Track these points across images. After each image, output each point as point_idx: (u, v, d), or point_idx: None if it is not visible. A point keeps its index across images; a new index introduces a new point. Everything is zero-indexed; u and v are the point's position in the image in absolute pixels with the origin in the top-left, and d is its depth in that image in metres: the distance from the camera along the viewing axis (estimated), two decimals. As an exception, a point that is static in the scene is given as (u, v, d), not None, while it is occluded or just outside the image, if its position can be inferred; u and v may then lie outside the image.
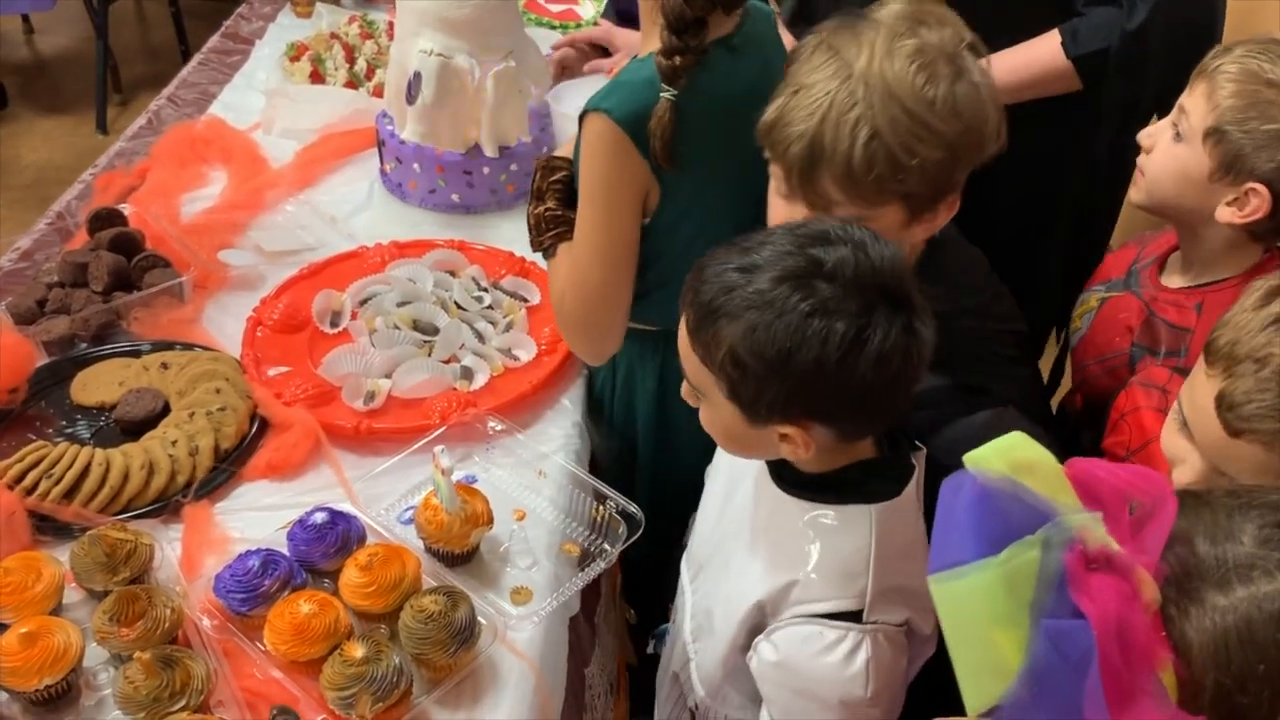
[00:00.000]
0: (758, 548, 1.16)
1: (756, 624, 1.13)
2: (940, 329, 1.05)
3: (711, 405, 1.10)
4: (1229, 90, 1.26)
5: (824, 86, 1.12)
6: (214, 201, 1.84)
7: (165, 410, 1.42)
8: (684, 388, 1.15)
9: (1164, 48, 1.53)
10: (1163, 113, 1.41)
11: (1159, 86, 1.53)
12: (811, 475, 1.11)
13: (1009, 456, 0.78)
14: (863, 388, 0.99)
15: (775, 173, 1.20)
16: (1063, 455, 0.82)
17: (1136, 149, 1.41)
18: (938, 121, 1.10)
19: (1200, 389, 1.07)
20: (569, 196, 1.38)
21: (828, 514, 1.10)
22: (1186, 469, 1.10)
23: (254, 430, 1.41)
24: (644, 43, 1.33)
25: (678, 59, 1.20)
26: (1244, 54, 1.27)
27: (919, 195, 1.14)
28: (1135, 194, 1.42)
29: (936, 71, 1.11)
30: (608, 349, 1.41)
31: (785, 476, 1.14)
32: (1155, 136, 1.37)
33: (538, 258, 1.54)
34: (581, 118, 1.29)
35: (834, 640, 1.07)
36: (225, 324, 1.59)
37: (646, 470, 1.55)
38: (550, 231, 1.39)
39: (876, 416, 1.07)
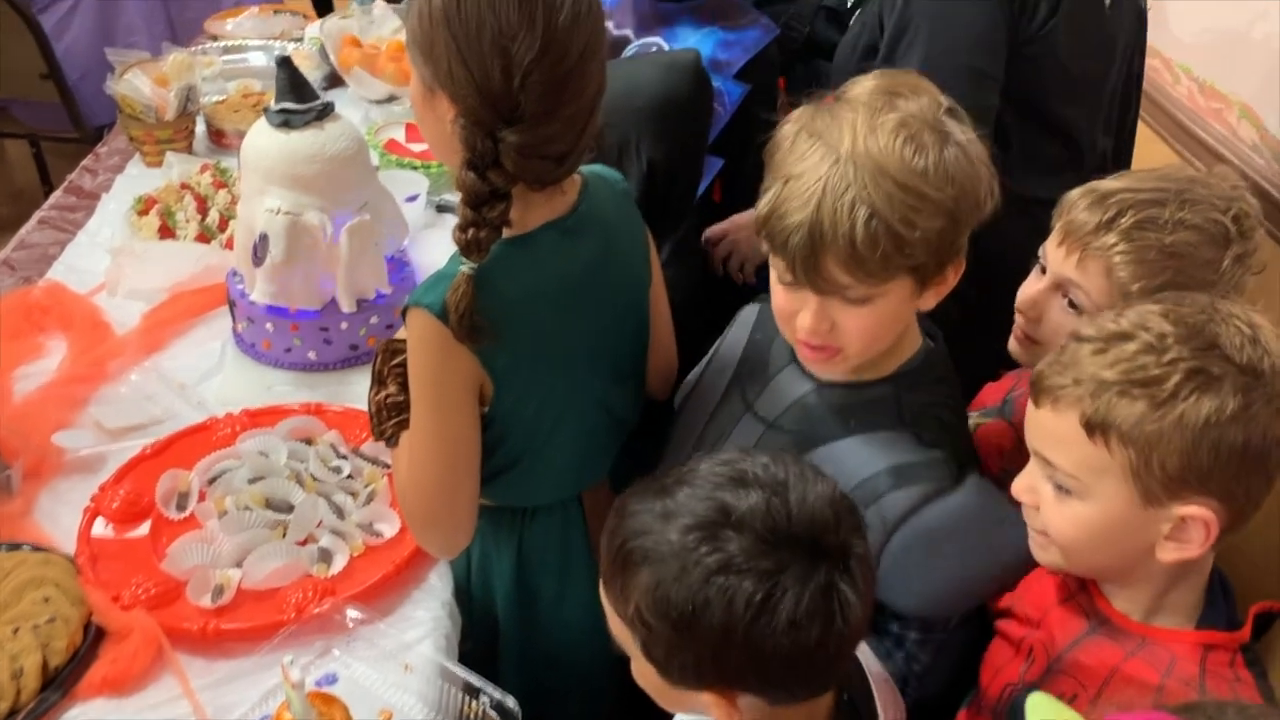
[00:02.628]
0: None
1: None
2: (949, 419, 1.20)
3: (634, 659, 1.01)
4: (1133, 272, 1.24)
5: (814, 173, 1.12)
6: (51, 376, 1.72)
7: (-12, 625, 1.29)
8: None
9: None
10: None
11: None
12: None
13: None
14: (779, 654, 0.90)
15: (776, 263, 1.19)
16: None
17: None
18: (932, 190, 1.10)
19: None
20: None
21: None
22: (1022, 476, 1.13)
23: (88, 641, 1.29)
24: None
25: (471, 232, 1.15)
26: (1132, 225, 1.24)
27: (926, 264, 1.14)
28: (1027, 358, 1.37)
29: (922, 141, 1.11)
30: (457, 544, 1.34)
31: None
32: (1040, 303, 1.34)
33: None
34: (404, 312, 1.24)
35: None
36: (61, 516, 1.47)
37: (511, 653, 1.46)
38: (392, 420, 1.32)
39: (807, 682, 0.97)
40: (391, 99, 2.60)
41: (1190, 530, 1.02)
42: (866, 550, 0.97)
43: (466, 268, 1.16)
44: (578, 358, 1.31)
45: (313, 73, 2.60)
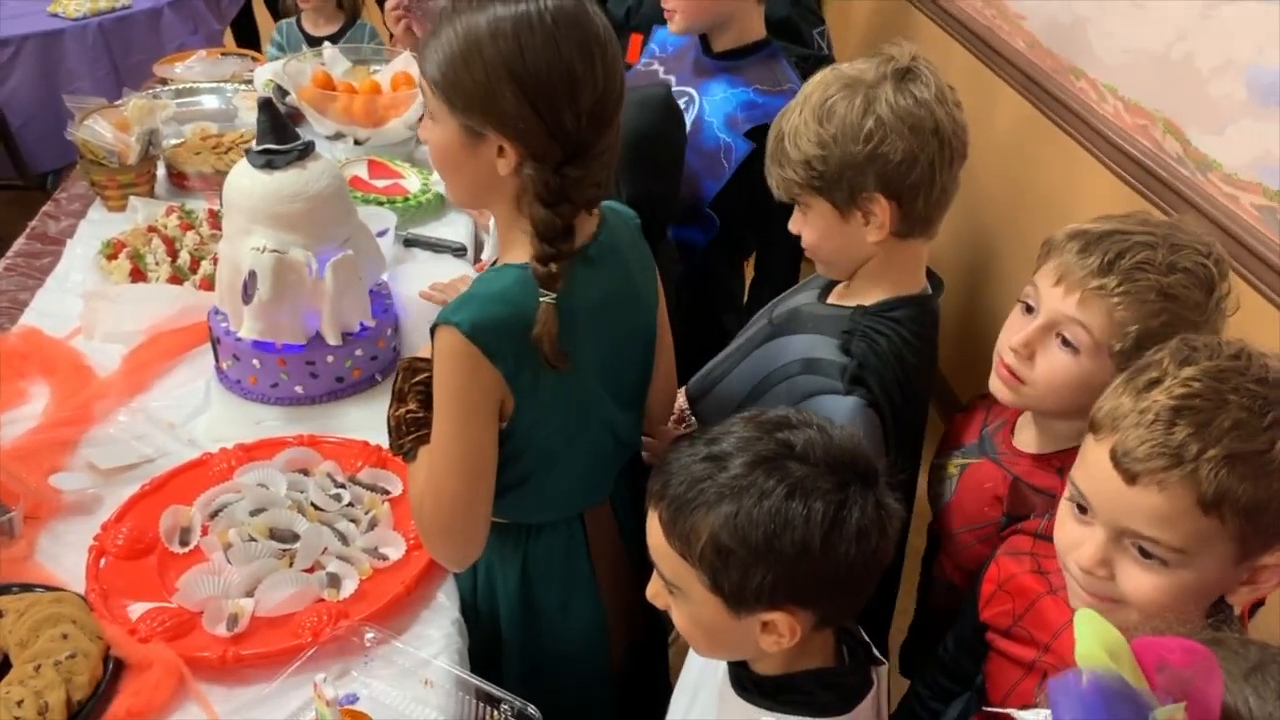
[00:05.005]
0: None
1: None
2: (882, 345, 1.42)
3: (690, 601, 1.11)
4: (1134, 313, 1.27)
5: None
6: (38, 420, 1.73)
7: (6, 665, 1.30)
8: (651, 587, 1.16)
9: None
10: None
11: None
12: (766, 678, 1.12)
13: (1105, 642, 0.77)
14: (845, 565, 1.04)
15: None
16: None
17: None
18: (818, 126, 1.41)
19: (1092, 455, 1.10)
20: (431, 398, 1.36)
21: None
22: (1087, 547, 1.09)
23: (109, 674, 1.31)
24: (503, 252, 1.34)
25: (553, 266, 1.23)
26: (1132, 267, 1.28)
27: (831, 190, 1.43)
28: (1013, 398, 1.40)
29: (839, 93, 1.41)
30: (470, 556, 1.38)
31: (744, 682, 1.14)
32: (1033, 343, 1.35)
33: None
34: (433, 330, 1.29)
35: None
36: (63, 557, 1.48)
37: (514, 667, 1.51)
38: (411, 435, 1.36)
39: (855, 596, 1.10)
40: (339, 136, 2.62)
41: (1265, 574, 1.05)
42: None
43: (548, 299, 1.23)
44: (594, 380, 1.37)
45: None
